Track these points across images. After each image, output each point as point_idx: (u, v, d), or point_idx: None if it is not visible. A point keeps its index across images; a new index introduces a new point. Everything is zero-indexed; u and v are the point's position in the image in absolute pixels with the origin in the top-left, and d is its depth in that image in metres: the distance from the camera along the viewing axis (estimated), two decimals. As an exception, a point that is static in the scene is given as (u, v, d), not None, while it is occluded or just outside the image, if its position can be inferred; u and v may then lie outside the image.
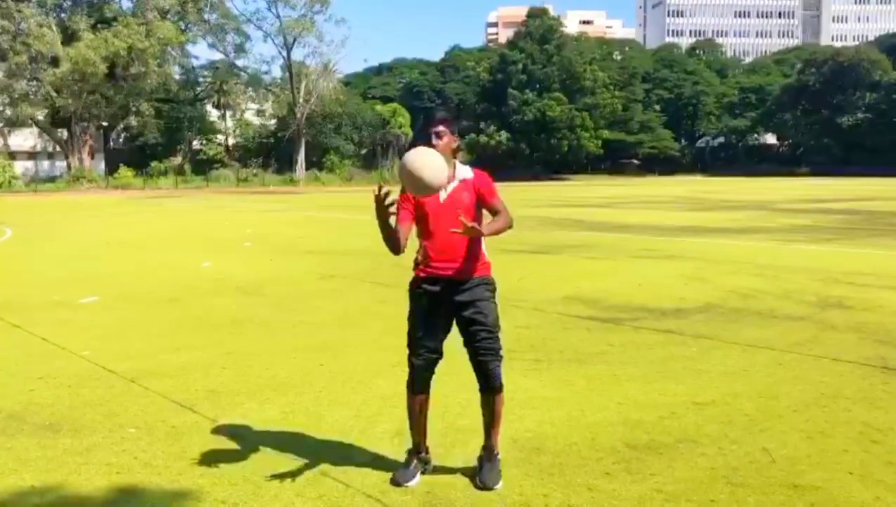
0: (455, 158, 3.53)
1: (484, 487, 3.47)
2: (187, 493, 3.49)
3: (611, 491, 3.46)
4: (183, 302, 8.67)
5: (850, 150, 77.69)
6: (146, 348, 6.38)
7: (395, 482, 3.54)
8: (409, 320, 3.62)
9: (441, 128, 3.47)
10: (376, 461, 3.81)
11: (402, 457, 3.73)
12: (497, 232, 3.47)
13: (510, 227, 3.53)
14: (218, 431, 4.32)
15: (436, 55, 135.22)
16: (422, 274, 3.57)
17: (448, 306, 3.54)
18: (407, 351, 3.63)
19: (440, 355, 3.61)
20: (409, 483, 3.53)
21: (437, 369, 3.63)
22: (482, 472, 3.55)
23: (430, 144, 3.38)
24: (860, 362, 5.64)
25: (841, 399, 4.77)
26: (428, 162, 3.20)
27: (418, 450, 3.67)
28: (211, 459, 3.87)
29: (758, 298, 8.45)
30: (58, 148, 61.04)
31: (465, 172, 3.54)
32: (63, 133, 59.43)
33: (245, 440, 4.15)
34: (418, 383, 3.61)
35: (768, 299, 8.40)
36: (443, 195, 3.44)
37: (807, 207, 26.14)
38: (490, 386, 3.56)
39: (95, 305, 8.54)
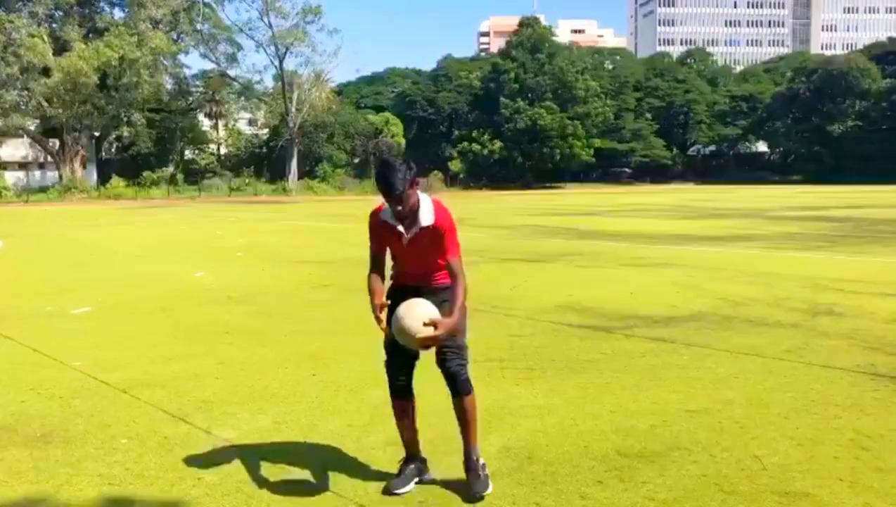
0: (415, 198, 3.42)
1: (473, 497, 3.46)
2: (179, 504, 3.49)
3: (603, 499, 3.48)
4: (175, 312, 8.65)
5: (841, 158, 78.01)
6: (138, 358, 6.36)
7: (388, 491, 3.54)
8: None
9: (403, 194, 3.36)
10: (369, 471, 3.81)
11: (394, 466, 3.74)
12: (458, 308, 3.45)
13: (466, 291, 3.52)
14: (210, 441, 4.31)
15: (428, 65, 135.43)
16: (394, 282, 3.71)
17: None
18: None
19: (408, 356, 3.58)
20: (402, 491, 3.53)
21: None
22: (468, 482, 3.55)
23: (398, 207, 3.39)
24: (850, 369, 5.67)
25: (831, 406, 4.79)
26: (412, 316, 3.35)
27: (411, 459, 3.68)
28: (203, 469, 3.87)
29: (749, 305, 8.48)
30: (49, 158, 60.87)
31: (427, 215, 3.45)
32: (54, 143, 59.29)
33: (237, 450, 4.14)
34: (392, 386, 3.64)
35: (759, 306, 8.43)
36: (405, 240, 3.49)
37: (797, 215, 26.26)
38: (455, 388, 3.56)
39: (87, 315, 8.52)
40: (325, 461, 3.96)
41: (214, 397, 5.17)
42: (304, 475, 3.78)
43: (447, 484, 3.65)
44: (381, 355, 3.66)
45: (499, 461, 3.86)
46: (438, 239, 3.48)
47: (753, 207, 32.74)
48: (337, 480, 3.71)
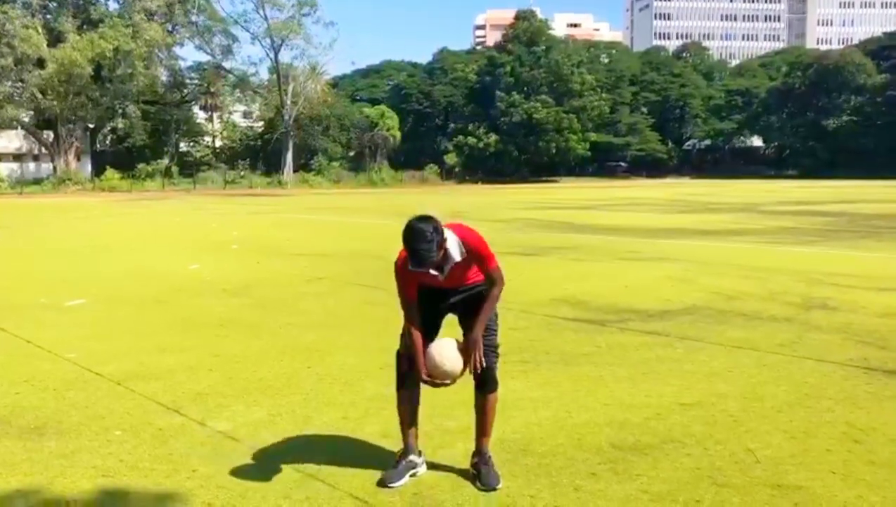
0: (444, 248, 3.43)
1: (488, 489, 3.50)
2: (174, 496, 3.49)
3: (597, 491, 3.49)
4: (170, 304, 8.64)
5: (836, 153, 78.20)
6: (133, 350, 6.35)
7: (382, 484, 3.55)
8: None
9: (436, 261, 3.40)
10: (364, 463, 3.81)
11: (389, 459, 3.74)
12: (490, 315, 3.63)
13: (501, 291, 3.68)
14: (205, 433, 4.31)
15: (424, 57, 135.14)
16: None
17: (443, 305, 3.66)
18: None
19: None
20: (396, 484, 3.54)
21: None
22: (481, 475, 3.57)
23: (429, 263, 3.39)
24: (843, 363, 5.69)
25: (824, 400, 4.81)
26: (447, 356, 3.50)
27: (408, 452, 3.68)
28: (197, 461, 3.87)
29: (743, 299, 8.50)
30: (44, 150, 60.66)
31: (456, 251, 3.47)
32: (49, 135, 59.10)
33: (232, 443, 4.14)
34: (402, 376, 3.65)
35: (753, 300, 8.45)
36: (442, 278, 3.53)
37: (792, 210, 26.32)
38: (486, 384, 3.65)
39: (82, 307, 8.50)
40: (320, 453, 3.96)
41: (209, 390, 5.17)
42: (299, 467, 3.78)
43: (442, 478, 3.66)
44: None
45: (493, 453, 3.86)
46: (474, 261, 3.56)
47: (748, 201, 32.80)
48: (331, 472, 3.71)
